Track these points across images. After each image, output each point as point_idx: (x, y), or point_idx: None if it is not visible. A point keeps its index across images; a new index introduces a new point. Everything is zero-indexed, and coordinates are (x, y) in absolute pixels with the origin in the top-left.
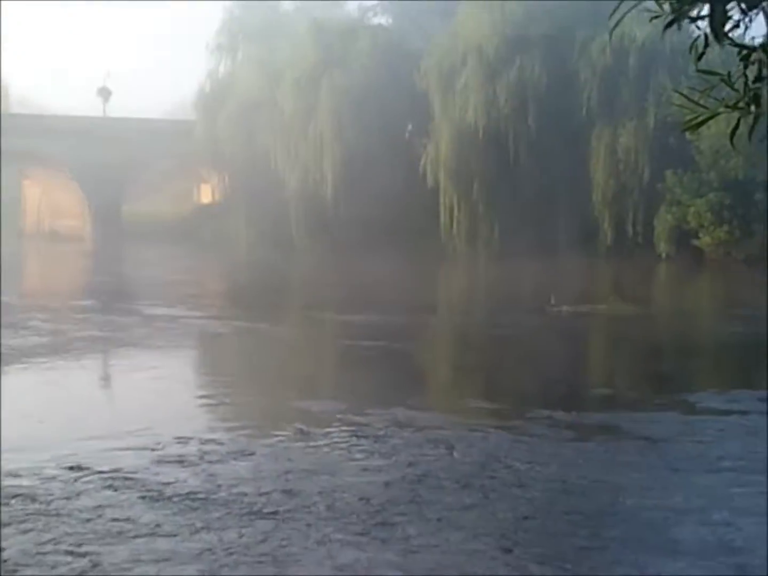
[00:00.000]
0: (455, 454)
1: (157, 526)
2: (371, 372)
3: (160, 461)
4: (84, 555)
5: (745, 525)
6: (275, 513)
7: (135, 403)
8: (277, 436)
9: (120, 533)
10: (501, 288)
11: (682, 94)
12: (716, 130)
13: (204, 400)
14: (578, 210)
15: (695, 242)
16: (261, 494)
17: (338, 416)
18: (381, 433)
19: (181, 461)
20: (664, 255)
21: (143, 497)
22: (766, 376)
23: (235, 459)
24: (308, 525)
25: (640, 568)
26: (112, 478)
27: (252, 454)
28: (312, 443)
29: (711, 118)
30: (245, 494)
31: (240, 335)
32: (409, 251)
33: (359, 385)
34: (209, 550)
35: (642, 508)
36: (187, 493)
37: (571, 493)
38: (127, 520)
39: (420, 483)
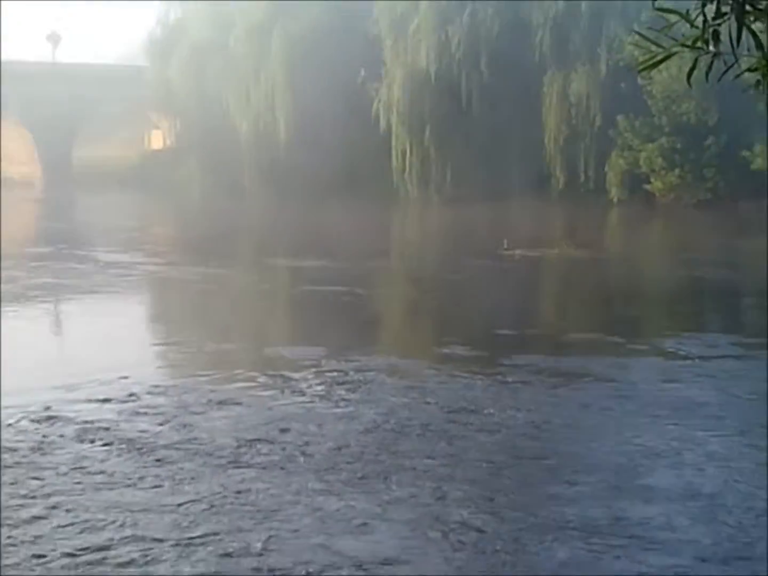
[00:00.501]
0: (431, 401)
1: (139, 478)
2: (339, 318)
3: (136, 411)
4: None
5: (716, 470)
6: (255, 463)
7: (105, 351)
8: (254, 384)
9: (99, 485)
10: (455, 232)
11: (639, 33)
12: (668, 75)
13: (176, 348)
14: (531, 155)
15: (647, 187)
16: (240, 444)
17: (314, 363)
18: (357, 379)
19: (157, 411)
20: (616, 200)
21: (119, 449)
22: (739, 321)
23: (212, 408)
24: (288, 473)
25: (613, 513)
26: (86, 430)
27: (229, 402)
28: (289, 391)
29: (668, 57)
30: (224, 444)
31: (202, 282)
32: (362, 196)
33: (329, 332)
34: (192, 501)
35: (617, 453)
36: (166, 444)
37: (547, 440)
38: (104, 472)
39: (397, 431)
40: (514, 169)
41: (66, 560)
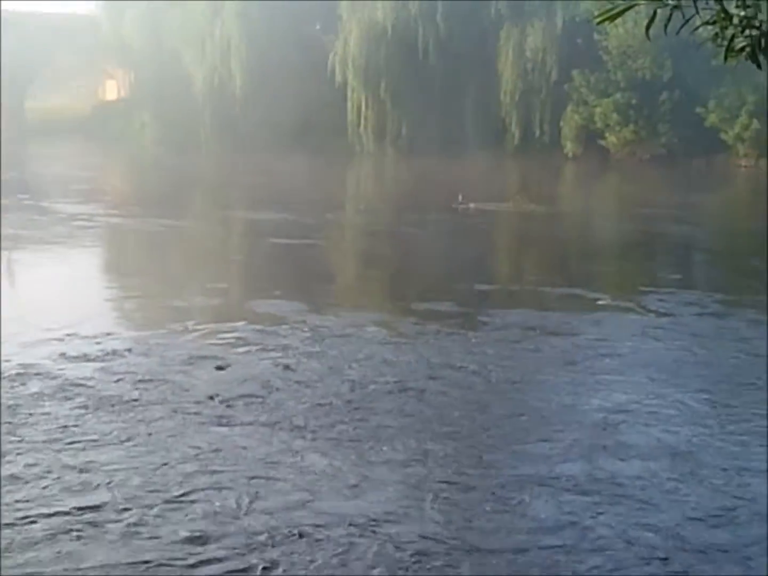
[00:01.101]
0: (404, 357)
1: (117, 436)
2: (309, 271)
3: (114, 369)
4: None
5: (689, 429)
6: (237, 422)
7: (81, 304)
8: (230, 339)
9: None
10: (410, 186)
11: None
12: (624, 30)
13: (152, 301)
14: (486, 109)
15: (602, 142)
16: (221, 402)
17: (289, 317)
18: (336, 334)
19: (138, 370)
20: (570, 155)
21: (101, 406)
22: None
23: (194, 365)
24: (271, 428)
25: (590, 470)
26: (64, 385)
27: (211, 358)
28: (267, 346)
29: (629, 8)
30: (207, 402)
31: (166, 234)
32: (318, 149)
33: (301, 286)
34: (177, 459)
35: (594, 409)
36: (147, 402)
37: (523, 396)
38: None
39: (375, 389)
40: (470, 123)
41: None
